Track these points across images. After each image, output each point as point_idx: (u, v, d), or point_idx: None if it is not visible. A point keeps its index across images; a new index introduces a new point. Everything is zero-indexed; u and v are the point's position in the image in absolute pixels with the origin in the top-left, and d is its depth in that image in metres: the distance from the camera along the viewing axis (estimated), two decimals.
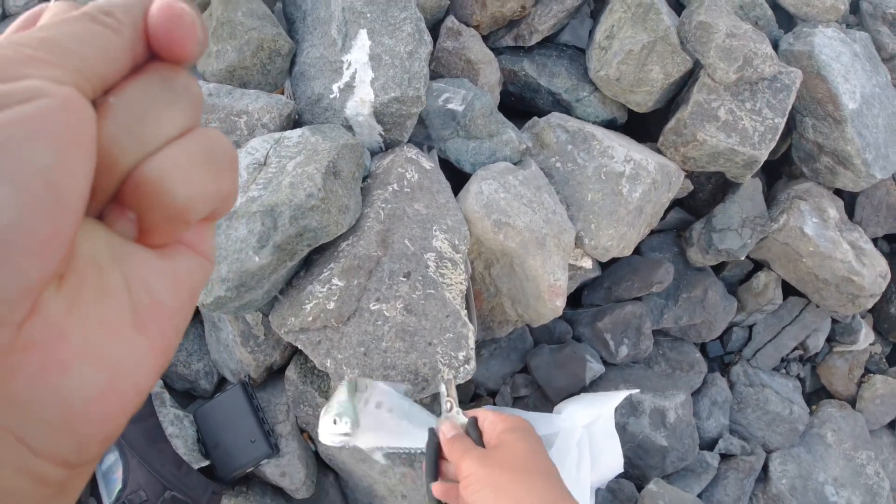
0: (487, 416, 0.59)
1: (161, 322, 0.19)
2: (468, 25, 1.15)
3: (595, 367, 1.23)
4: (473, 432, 0.60)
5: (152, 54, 0.19)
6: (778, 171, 1.52)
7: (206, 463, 1.05)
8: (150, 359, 0.18)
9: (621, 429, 1.24)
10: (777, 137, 1.19)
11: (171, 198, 0.18)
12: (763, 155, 1.18)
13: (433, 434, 0.62)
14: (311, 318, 0.84)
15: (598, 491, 1.22)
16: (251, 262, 0.78)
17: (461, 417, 0.63)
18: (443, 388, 0.66)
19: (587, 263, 1.17)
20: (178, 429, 1.08)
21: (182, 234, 0.19)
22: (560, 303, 1.04)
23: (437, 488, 0.58)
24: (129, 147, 0.17)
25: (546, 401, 1.26)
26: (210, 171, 0.19)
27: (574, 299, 1.38)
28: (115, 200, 0.18)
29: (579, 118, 1.24)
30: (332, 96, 0.96)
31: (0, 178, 0.14)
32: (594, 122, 1.25)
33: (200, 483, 1.01)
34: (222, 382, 1.18)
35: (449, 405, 0.65)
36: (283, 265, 0.83)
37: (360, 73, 0.92)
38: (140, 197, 0.17)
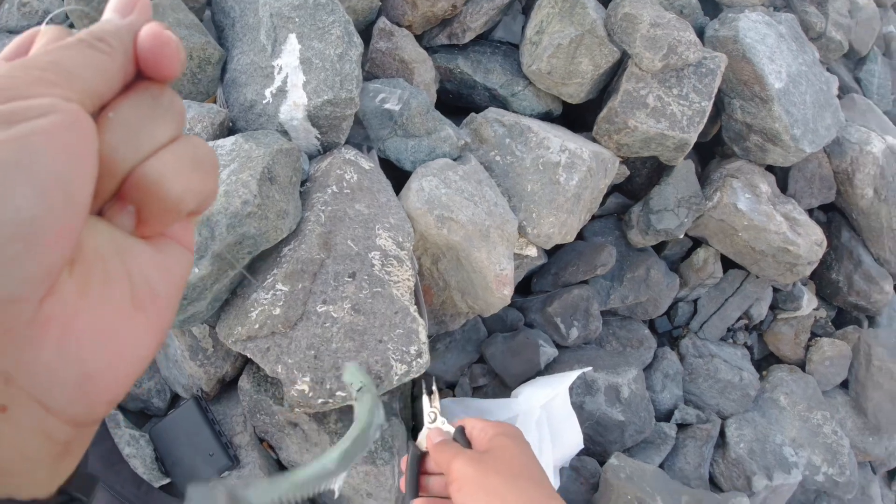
0: (476, 424, 0.58)
1: (156, 304, 0.22)
2: (400, 26, 1.17)
3: (548, 351, 1.27)
4: (461, 439, 0.58)
5: (139, 74, 0.22)
6: (711, 152, 1.59)
7: (167, 481, 1.03)
8: (149, 335, 0.22)
9: (578, 408, 1.28)
10: (704, 120, 1.25)
11: (166, 193, 0.21)
12: (692, 137, 1.24)
13: (414, 448, 0.61)
14: (257, 326, 0.84)
15: (562, 470, 1.26)
16: (190, 273, 0.78)
17: (447, 427, 0.61)
18: (426, 400, 0.65)
19: (532, 252, 1.20)
20: (134, 449, 1.06)
21: (172, 225, 0.23)
22: (507, 291, 1.07)
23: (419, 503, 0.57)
24: (127, 154, 0.20)
25: (504, 388, 1.29)
26: (197, 170, 0.22)
27: (524, 287, 1.41)
28: (117, 197, 0.21)
29: (515, 112, 1.28)
30: (265, 102, 0.96)
31: (24, 181, 0.17)
32: (530, 115, 1.29)
33: (162, 501, 1.00)
34: (176, 399, 1.16)
35: (433, 416, 0.63)
36: (224, 274, 0.83)
37: (291, 77, 0.92)
38: (140, 193, 0.21)
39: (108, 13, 0.22)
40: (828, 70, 1.71)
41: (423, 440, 0.60)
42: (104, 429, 1.02)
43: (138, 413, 1.17)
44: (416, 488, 0.58)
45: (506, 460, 0.52)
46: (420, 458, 0.60)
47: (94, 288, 0.20)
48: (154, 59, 0.21)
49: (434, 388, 0.66)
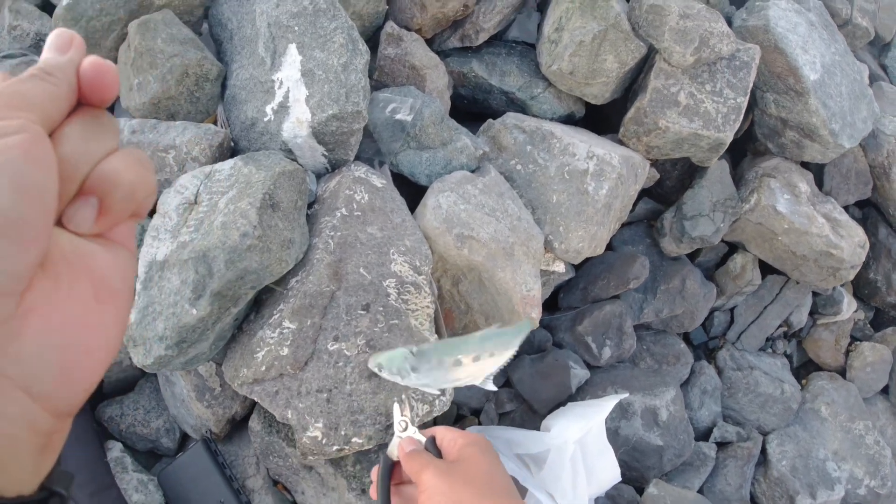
0: (446, 434, 0.58)
1: (116, 298, 0.25)
2: (409, 30, 1.08)
3: (580, 373, 1.18)
4: (433, 449, 0.58)
5: (79, 102, 0.25)
6: (742, 150, 1.49)
7: None
8: (115, 326, 0.25)
9: (614, 433, 1.19)
10: (741, 117, 1.16)
11: (123, 180, 0.24)
12: (728, 136, 1.14)
13: (385, 458, 0.60)
14: (264, 368, 0.76)
15: (597, 499, 1.17)
16: (188, 315, 0.70)
17: (419, 436, 0.60)
18: (396, 409, 0.63)
19: (559, 267, 1.11)
20: (143, 495, 0.99)
21: (127, 214, 0.25)
22: (536, 314, 0.98)
23: None
24: (81, 161, 0.24)
25: (533, 414, 1.20)
26: (142, 167, 0.25)
27: (550, 303, 1.32)
28: (80, 194, 0.24)
29: (536, 116, 1.19)
30: (266, 119, 0.88)
31: (7, 185, 0.20)
32: (551, 119, 1.20)
33: None
34: (185, 438, 1.09)
35: (404, 425, 0.62)
36: (226, 313, 0.75)
37: (293, 92, 0.84)
38: (101, 183, 0.24)
39: (48, 52, 0.25)
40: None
41: (395, 449, 0.60)
42: (108, 476, 0.95)
43: (147, 453, 1.10)
44: (388, 497, 0.58)
45: (475, 471, 0.53)
46: (391, 467, 0.59)
47: (63, 284, 0.23)
48: (97, 85, 0.25)
49: (404, 396, 0.65)
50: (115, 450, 1.02)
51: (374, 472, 0.59)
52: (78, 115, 0.25)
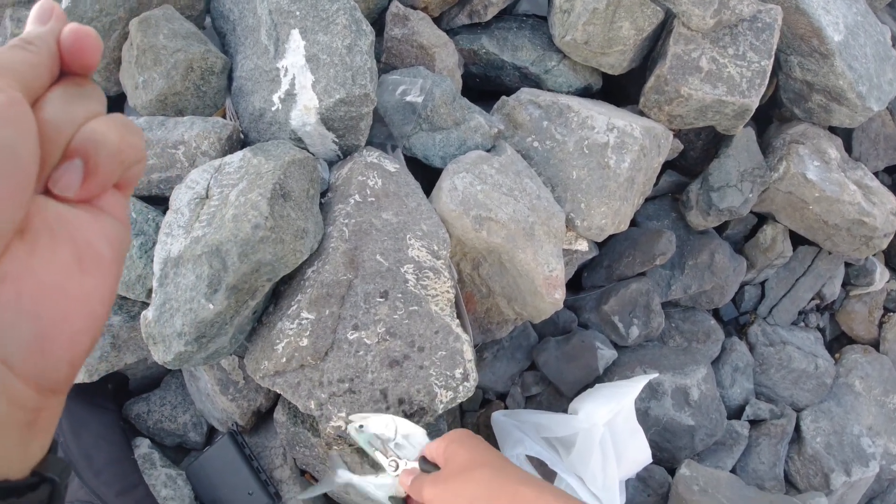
0: (431, 446, 0.61)
1: (101, 266, 0.24)
2: (415, 8, 1.05)
3: (607, 354, 1.15)
4: (427, 467, 0.61)
5: (63, 72, 0.25)
6: (767, 116, 1.43)
7: None
8: (98, 294, 0.24)
9: (643, 413, 1.16)
10: (766, 81, 1.10)
11: (108, 140, 0.24)
12: (754, 102, 1.09)
13: (396, 500, 0.63)
14: (284, 360, 0.75)
15: (628, 481, 1.15)
16: (205, 310, 0.69)
17: (412, 464, 0.63)
18: (378, 455, 0.65)
19: (583, 246, 1.08)
20: (172, 490, 0.99)
21: (114, 178, 0.25)
22: (559, 295, 0.96)
23: None
24: (64, 124, 0.23)
25: (560, 396, 1.18)
26: (128, 129, 0.25)
27: (574, 283, 1.29)
28: (64, 156, 0.23)
29: (551, 90, 1.15)
30: (274, 109, 0.86)
31: None
32: (568, 93, 1.16)
33: None
34: (213, 432, 1.10)
35: (395, 465, 0.64)
36: (244, 306, 0.74)
37: (299, 79, 0.82)
38: (86, 144, 0.23)
39: (30, 25, 0.25)
40: None
41: (399, 488, 0.63)
42: (135, 474, 0.96)
43: (176, 448, 1.11)
44: None
45: (458, 463, 0.56)
46: (403, 502, 0.63)
47: (42, 250, 0.22)
48: (76, 50, 0.25)
49: (380, 442, 0.66)
50: (142, 446, 1.03)
51: None
52: (61, 83, 0.25)
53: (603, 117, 1.01)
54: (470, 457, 0.55)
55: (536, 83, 1.16)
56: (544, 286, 0.94)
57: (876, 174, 1.52)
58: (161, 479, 1.00)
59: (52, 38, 0.24)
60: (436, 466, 0.60)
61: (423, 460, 0.61)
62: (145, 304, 0.90)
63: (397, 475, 0.62)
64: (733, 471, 1.31)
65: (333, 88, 0.80)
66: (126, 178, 0.26)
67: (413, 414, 0.77)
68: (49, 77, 0.24)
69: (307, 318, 0.75)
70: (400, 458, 0.63)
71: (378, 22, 1.08)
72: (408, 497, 0.62)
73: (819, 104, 1.28)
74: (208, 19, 1.07)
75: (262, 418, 1.02)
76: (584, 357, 1.11)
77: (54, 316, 0.22)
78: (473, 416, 1.20)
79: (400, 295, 0.79)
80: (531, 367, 1.19)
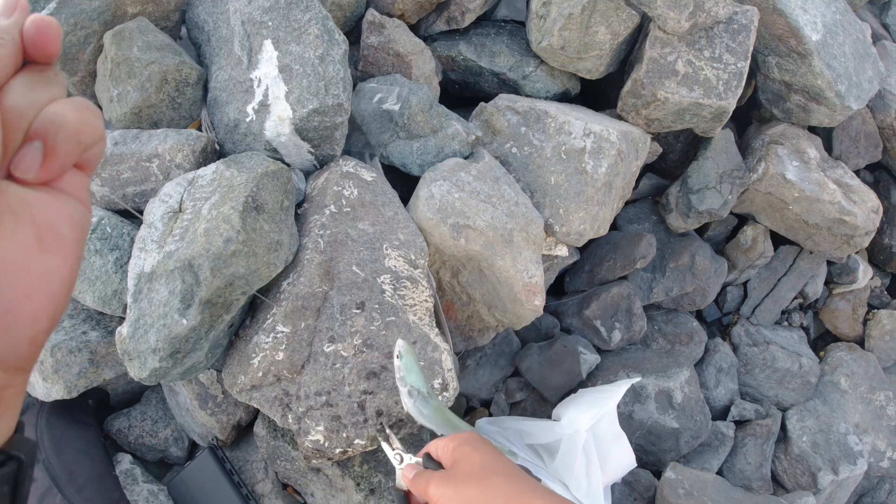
0: (438, 443, 0.61)
1: (63, 245, 0.25)
2: (391, 16, 1.05)
3: (590, 358, 1.15)
4: (431, 464, 0.61)
5: (26, 62, 0.26)
6: (746, 117, 1.44)
7: None
8: (61, 272, 0.25)
9: (627, 418, 1.16)
10: (743, 83, 1.11)
11: (67, 121, 0.25)
12: (731, 104, 1.10)
13: (397, 492, 0.62)
14: (261, 374, 0.75)
15: (613, 486, 1.14)
16: (179, 325, 0.69)
17: (416, 459, 0.62)
18: (385, 447, 0.66)
19: (562, 251, 1.08)
20: None
21: (73, 158, 0.26)
22: (539, 301, 0.96)
23: None
24: (25, 107, 0.24)
25: (544, 402, 1.18)
26: (86, 110, 0.26)
27: (556, 288, 1.29)
28: (25, 139, 0.24)
29: (529, 96, 1.15)
30: (248, 120, 0.85)
31: None
32: (546, 98, 1.16)
33: None
34: (194, 447, 1.08)
35: (399, 458, 0.64)
36: (219, 320, 0.73)
37: (272, 89, 0.82)
38: (45, 126, 0.24)
39: None
40: None
41: (401, 480, 0.62)
42: (116, 490, 0.95)
43: (158, 463, 1.10)
44: None
45: (471, 466, 0.55)
46: (405, 497, 0.62)
47: (3, 231, 0.23)
48: (39, 40, 0.25)
49: (387, 430, 0.68)
50: (124, 462, 1.02)
51: None
52: (24, 71, 0.26)
53: (580, 122, 1.02)
54: (483, 463, 0.54)
55: (514, 89, 1.16)
56: (524, 293, 0.94)
57: (857, 172, 1.53)
58: (143, 494, 0.99)
59: (17, 29, 0.25)
60: (439, 465, 0.59)
61: (427, 457, 0.61)
62: (122, 320, 0.89)
63: (401, 468, 0.62)
64: (720, 472, 1.31)
65: (307, 99, 0.80)
66: (86, 158, 0.26)
67: (392, 426, 0.77)
68: (13, 67, 0.25)
69: (283, 332, 0.74)
70: (405, 452, 0.63)
71: (355, 30, 1.08)
72: (409, 493, 0.61)
73: (798, 104, 1.29)
74: (184, 30, 1.06)
75: (243, 432, 1.02)
76: (567, 362, 1.11)
77: (16, 293, 0.23)
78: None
79: (377, 306, 0.79)
80: (515, 374, 1.19)
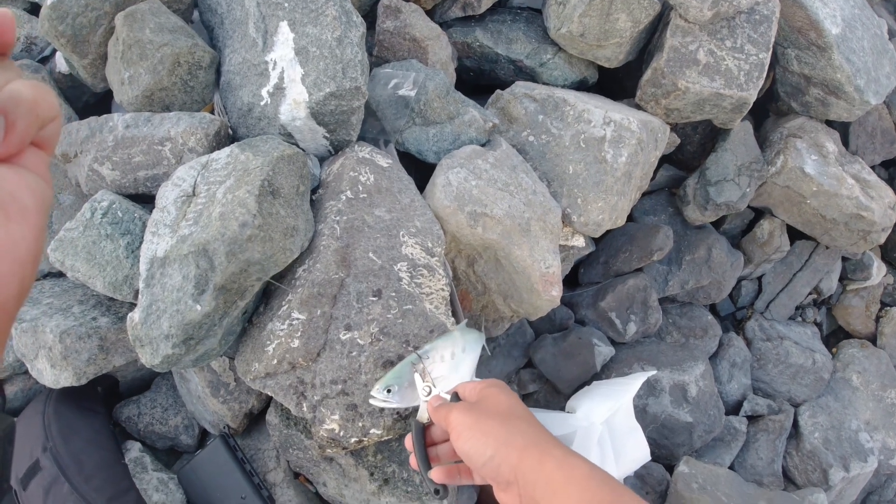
0: (466, 385, 0.62)
1: (27, 216, 0.27)
2: (407, 1, 1.03)
3: (604, 351, 1.14)
4: (456, 400, 0.62)
5: None
6: (764, 110, 1.42)
7: None
8: (25, 241, 0.26)
9: (641, 411, 1.15)
10: (764, 74, 1.09)
11: (24, 96, 0.27)
12: (752, 95, 1.08)
13: (416, 423, 0.63)
14: (275, 361, 0.73)
15: (626, 479, 1.13)
16: (193, 311, 0.67)
17: (444, 395, 0.64)
18: (417, 378, 0.66)
19: (579, 242, 1.06)
20: (164, 494, 0.97)
21: (33, 132, 0.28)
22: (556, 292, 0.94)
23: (435, 474, 0.59)
24: None
25: (557, 394, 1.16)
26: (40, 88, 0.28)
27: (571, 279, 1.28)
28: None
29: (546, 84, 1.13)
30: (262, 103, 0.84)
31: None
32: (563, 86, 1.14)
33: None
34: (205, 435, 1.07)
35: (428, 389, 0.65)
36: (233, 306, 0.72)
37: (288, 72, 0.80)
38: (4, 102, 0.26)
39: None
40: None
41: (424, 413, 0.63)
42: (126, 479, 0.94)
43: (168, 451, 1.09)
44: (427, 460, 0.60)
45: (495, 405, 0.56)
46: (423, 430, 0.62)
47: None
48: None
49: (421, 364, 0.68)
50: (133, 450, 1.01)
51: (408, 442, 0.62)
52: None
53: (599, 111, 1.00)
54: (509, 405, 0.55)
55: (531, 76, 1.14)
56: (540, 283, 0.93)
57: (873, 168, 1.51)
58: (153, 483, 0.98)
59: None
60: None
61: (455, 396, 0.62)
62: (133, 306, 0.88)
63: (427, 399, 0.63)
64: (732, 467, 1.30)
65: (323, 82, 0.78)
66: (44, 136, 0.28)
67: (409, 416, 0.76)
68: None
69: (298, 319, 0.73)
70: (435, 386, 0.64)
71: (370, 14, 1.06)
72: (427, 427, 0.63)
73: (816, 98, 1.27)
74: (196, 13, 1.04)
75: (255, 420, 1.00)
76: (582, 354, 1.10)
77: None
78: None
79: (394, 293, 0.77)
80: (528, 365, 1.17)
